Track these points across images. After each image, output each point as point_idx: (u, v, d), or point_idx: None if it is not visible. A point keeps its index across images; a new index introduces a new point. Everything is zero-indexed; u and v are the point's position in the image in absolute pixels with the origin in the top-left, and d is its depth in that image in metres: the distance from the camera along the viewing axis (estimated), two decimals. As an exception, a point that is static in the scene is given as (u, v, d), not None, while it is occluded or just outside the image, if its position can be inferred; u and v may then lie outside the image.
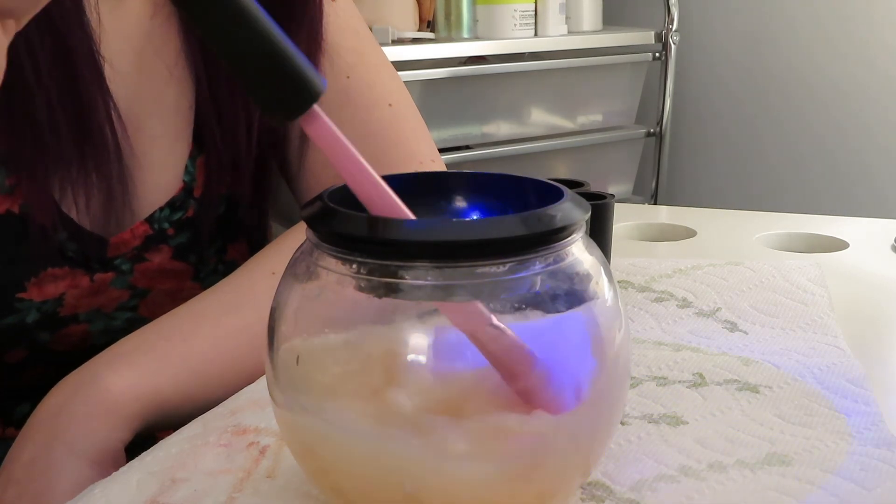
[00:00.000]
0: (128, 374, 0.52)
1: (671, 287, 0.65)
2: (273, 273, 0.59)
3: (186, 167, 0.65)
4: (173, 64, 0.65)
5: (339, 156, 0.35)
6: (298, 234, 0.61)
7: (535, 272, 0.35)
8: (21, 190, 0.59)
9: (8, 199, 0.59)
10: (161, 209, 0.65)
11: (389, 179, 0.42)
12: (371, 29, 0.84)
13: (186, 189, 0.65)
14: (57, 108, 0.57)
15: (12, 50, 0.38)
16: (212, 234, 0.67)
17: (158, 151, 0.65)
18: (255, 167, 0.68)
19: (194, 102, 0.66)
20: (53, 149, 0.58)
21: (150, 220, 0.64)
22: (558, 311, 0.36)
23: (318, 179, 0.69)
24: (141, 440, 0.52)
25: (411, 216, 0.35)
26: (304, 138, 0.69)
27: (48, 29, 0.56)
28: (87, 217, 0.61)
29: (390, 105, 0.69)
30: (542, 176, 0.42)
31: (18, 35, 0.38)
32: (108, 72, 0.60)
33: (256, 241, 0.72)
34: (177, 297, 0.65)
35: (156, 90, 0.65)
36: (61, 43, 0.57)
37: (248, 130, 0.66)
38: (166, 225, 0.65)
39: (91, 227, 0.62)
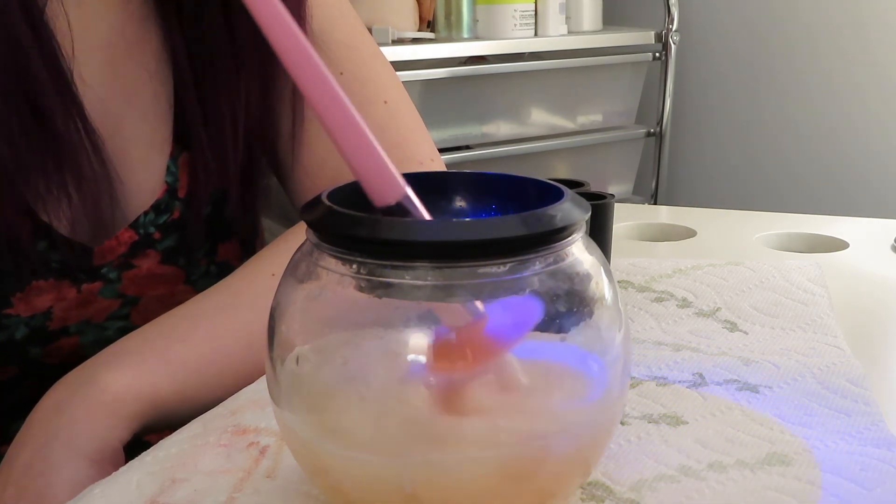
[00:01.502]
0: (126, 373, 0.52)
1: (671, 287, 0.65)
2: (273, 275, 0.58)
3: (168, 168, 0.64)
4: (150, 60, 0.63)
5: (278, 39, 0.32)
6: (297, 236, 0.61)
7: (535, 272, 0.35)
8: None
9: None
10: (146, 213, 0.63)
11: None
12: (371, 29, 0.84)
13: (170, 190, 0.64)
14: (18, 138, 0.55)
15: None
16: (200, 235, 0.66)
17: (138, 154, 0.63)
18: (242, 165, 0.66)
19: (172, 99, 0.64)
20: (23, 174, 0.56)
21: (134, 225, 0.63)
22: (558, 312, 0.36)
23: (312, 179, 0.67)
24: (136, 442, 0.52)
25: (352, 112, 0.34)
26: (295, 135, 0.67)
27: None
28: (68, 227, 0.60)
29: (385, 102, 0.67)
30: (542, 176, 0.42)
31: None
32: (77, 74, 0.57)
33: (248, 240, 0.70)
34: (168, 303, 0.63)
35: (131, 89, 0.62)
36: (21, 68, 0.54)
37: (234, 127, 0.64)
38: (152, 229, 0.63)
39: (73, 236, 0.60)
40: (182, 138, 0.64)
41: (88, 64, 0.59)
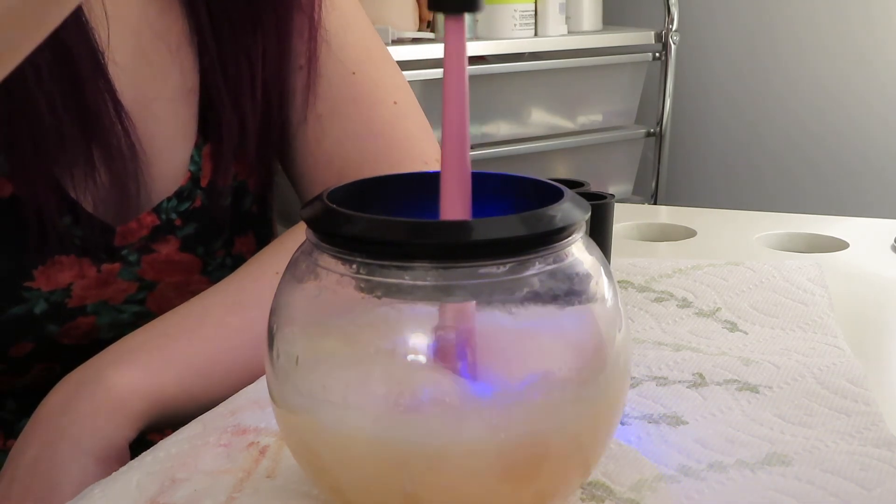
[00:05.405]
0: (132, 372, 0.52)
1: (671, 287, 0.66)
2: (277, 273, 0.58)
3: (192, 156, 0.65)
4: (176, 47, 0.64)
5: (451, 77, 0.37)
6: (300, 234, 0.61)
7: (535, 272, 0.35)
8: (24, 173, 0.58)
9: (11, 182, 0.58)
10: (168, 199, 0.64)
11: (393, 179, 0.42)
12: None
13: (193, 178, 0.65)
14: (61, 110, 0.57)
15: None
16: (220, 225, 0.67)
17: (164, 139, 0.64)
18: (260, 156, 0.67)
19: (198, 87, 0.65)
20: (58, 145, 0.57)
21: (157, 210, 0.64)
22: (558, 312, 0.36)
23: (318, 174, 0.68)
24: (141, 441, 0.52)
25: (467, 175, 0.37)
26: (302, 128, 0.68)
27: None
28: (93, 204, 0.61)
29: (395, 103, 0.69)
30: (542, 176, 0.42)
31: None
32: (110, 59, 0.59)
33: (262, 234, 0.72)
34: (184, 292, 0.65)
35: (159, 74, 0.64)
36: (60, 43, 0.56)
37: (255, 117, 0.65)
38: (174, 215, 0.65)
39: (96, 213, 0.62)
40: (206, 128, 0.65)
41: (120, 49, 0.61)
